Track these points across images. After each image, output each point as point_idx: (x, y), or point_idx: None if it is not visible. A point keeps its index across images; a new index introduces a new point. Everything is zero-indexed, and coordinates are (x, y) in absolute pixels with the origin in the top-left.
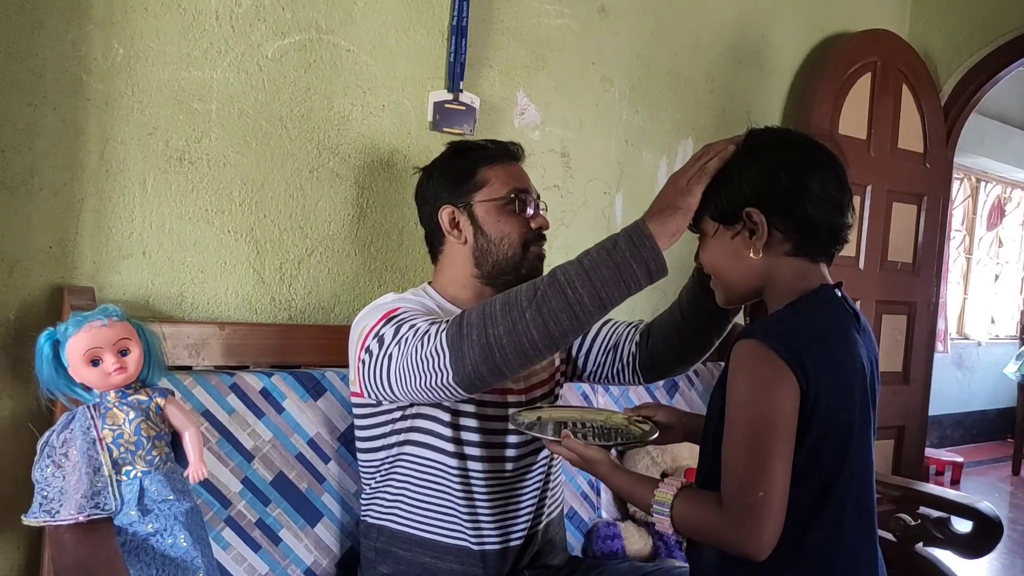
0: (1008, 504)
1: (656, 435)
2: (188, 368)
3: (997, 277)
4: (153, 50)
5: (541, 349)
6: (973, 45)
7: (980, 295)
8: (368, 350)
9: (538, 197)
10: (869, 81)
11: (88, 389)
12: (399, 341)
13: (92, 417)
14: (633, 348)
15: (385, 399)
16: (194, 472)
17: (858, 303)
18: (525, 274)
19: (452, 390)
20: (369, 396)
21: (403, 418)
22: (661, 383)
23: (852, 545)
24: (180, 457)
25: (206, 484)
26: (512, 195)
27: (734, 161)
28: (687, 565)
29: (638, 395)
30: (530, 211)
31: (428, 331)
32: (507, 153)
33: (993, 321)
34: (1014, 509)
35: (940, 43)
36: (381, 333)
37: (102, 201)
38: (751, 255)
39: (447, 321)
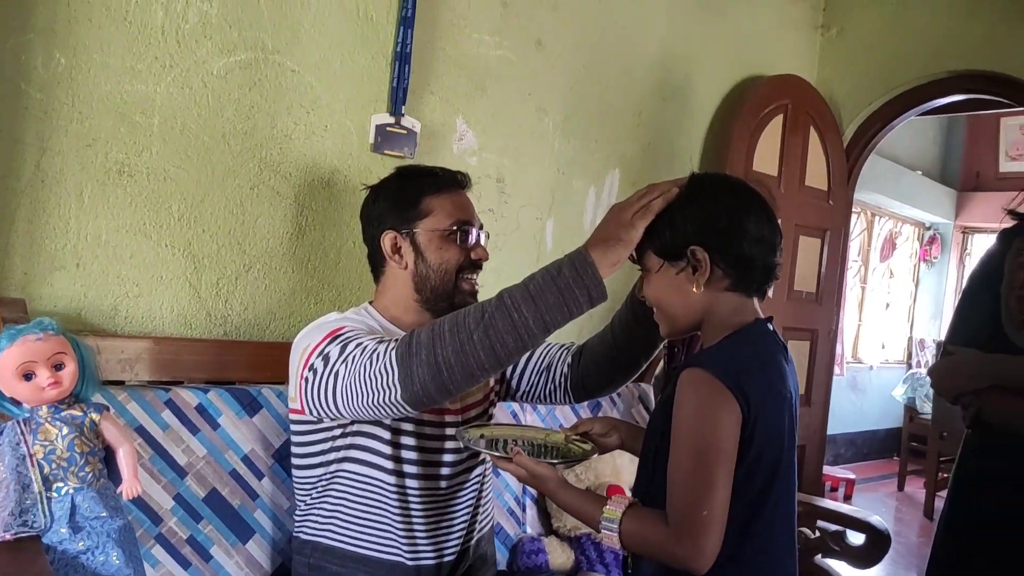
0: (894, 518)
1: (596, 453)
2: (121, 383)
3: (888, 305)
4: (96, 62)
5: (487, 368)
6: (873, 93)
7: (872, 322)
8: (312, 368)
9: (481, 227)
10: (781, 122)
11: (18, 404)
12: (346, 359)
13: (22, 432)
14: (565, 369)
15: (327, 416)
16: (128, 488)
17: None
18: (458, 302)
19: (399, 407)
20: (310, 413)
21: (343, 435)
22: (586, 403)
23: (779, 555)
24: (113, 473)
25: (137, 501)
26: (455, 226)
27: (678, 202)
28: None
29: (564, 414)
30: (471, 241)
31: (376, 350)
32: (454, 182)
33: (883, 347)
34: (898, 523)
35: (844, 90)
36: (326, 351)
37: (36, 212)
38: (693, 289)
39: (395, 340)
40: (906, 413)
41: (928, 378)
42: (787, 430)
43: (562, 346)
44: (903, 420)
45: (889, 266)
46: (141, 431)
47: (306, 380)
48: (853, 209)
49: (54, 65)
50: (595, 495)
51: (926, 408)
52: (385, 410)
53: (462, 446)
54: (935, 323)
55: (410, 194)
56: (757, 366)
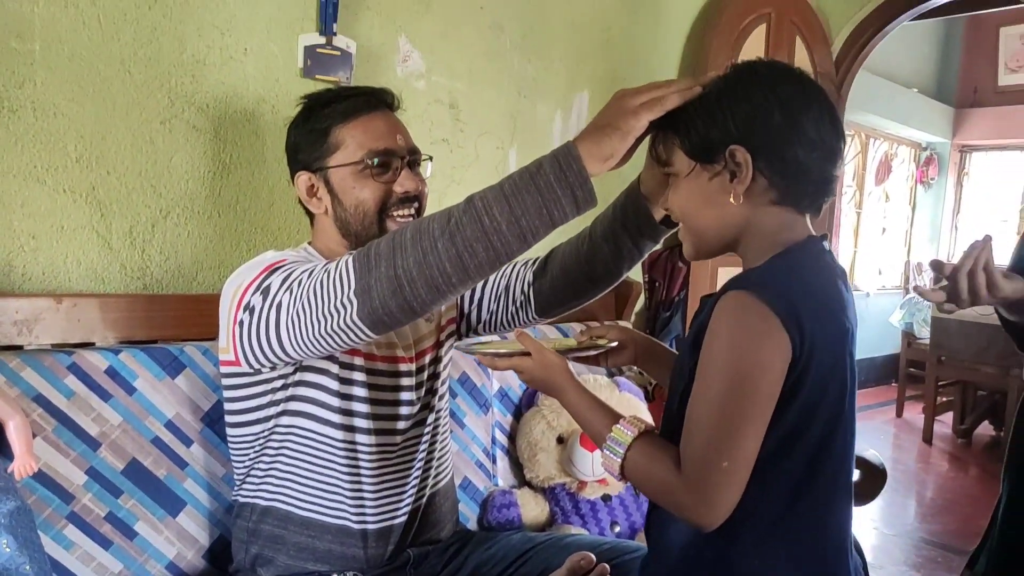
0: (891, 445)
1: (612, 347)
2: (19, 348)
3: (884, 230)
4: None
5: (454, 283)
6: None
7: (869, 248)
8: (248, 307)
9: (411, 154)
10: (764, 33)
11: None
12: (289, 287)
13: None
14: (525, 287)
15: (267, 362)
16: (20, 466)
17: None
18: None
19: (357, 330)
20: (247, 363)
21: (284, 387)
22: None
23: (839, 519)
24: (6, 450)
25: (42, 478)
26: (367, 158)
27: (718, 91)
28: (583, 532)
29: None
30: (392, 173)
31: (327, 267)
32: (367, 104)
33: (880, 272)
34: (896, 449)
35: None
36: (266, 284)
37: None
38: (730, 200)
39: (351, 254)
40: (904, 339)
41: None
42: (849, 368)
43: (522, 264)
44: (900, 346)
45: (885, 189)
46: (41, 400)
47: (240, 324)
48: (847, 132)
49: None
50: (608, 407)
51: (924, 333)
52: (340, 337)
53: (415, 396)
54: (932, 246)
55: (318, 125)
56: (814, 291)
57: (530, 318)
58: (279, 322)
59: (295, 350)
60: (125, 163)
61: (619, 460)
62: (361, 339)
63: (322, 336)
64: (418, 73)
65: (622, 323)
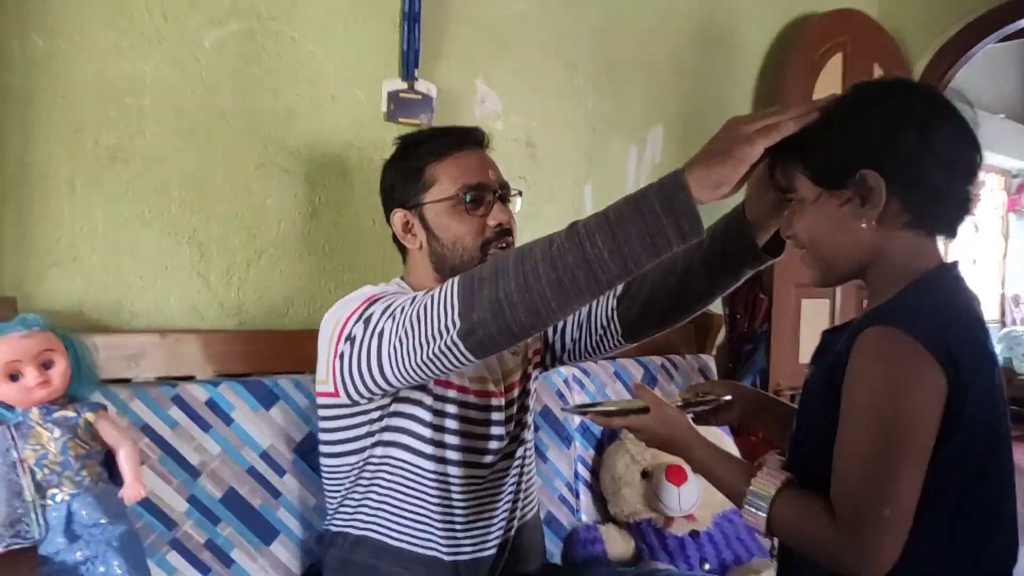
0: None
1: (728, 399)
2: (127, 381)
3: (975, 262)
4: (77, 42)
5: (554, 309)
6: (944, 21)
7: None
8: (350, 338)
9: (502, 188)
10: (840, 62)
11: (9, 407)
12: (392, 314)
13: (12, 437)
14: (608, 313)
15: (367, 392)
16: (130, 492)
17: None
18: None
19: (457, 352)
20: (345, 394)
21: (380, 418)
22: (639, 377)
23: (999, 557)
24: (117, 477)
25: (148, 505)
26: (461, 193)
27: (841, 112)
28: (671, 568)
29: (616, 393)
30: (484, 208)
31: (431, 292)
32: (461, 142)
33: None
34: None
35: (910, 21)
36: (367, 314)
37: (24, 206)
38: (862, 226)
39: (455, 279)
40: (1002, 373)
41: None
42: (999, 397)
43: None
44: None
45: (973, 220)
46: (147, 430)
47: (341, 355)
48: None
49: (31, 48)
50: (740, 459)
51: None
52: (440, 361)
53: (505, 431)
54: None
55: (412, 165)
56: (960, 322)
57: (616, 343)
58: (380, 349)
59: (396, 377)
60: (223, 207)
61: (764, 516)
62: (461, 363)
63: (424, 362)
64: (495, 114)
65: (723, 380)
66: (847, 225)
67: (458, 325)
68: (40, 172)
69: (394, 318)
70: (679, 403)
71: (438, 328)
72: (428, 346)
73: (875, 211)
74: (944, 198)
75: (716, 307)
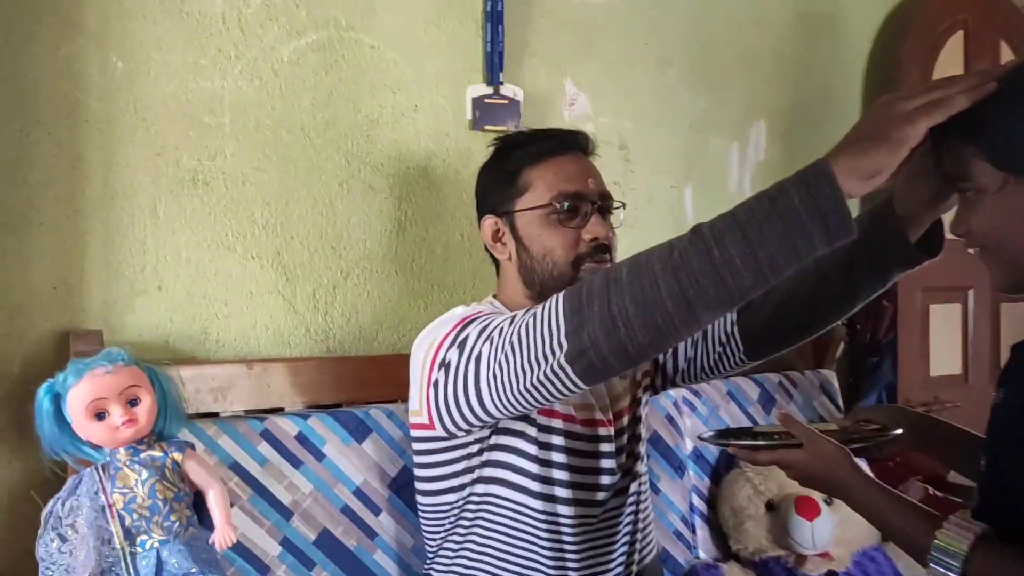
0: None
1: (899, 433)
2: (215, 415)
3: None
4: (155, 61)
5: (677, 325)
6: None
7: None
8: (444, 364)
9: (603, 199)
10: (962, 41)
11: (96, 447)
12: (489, 336)
13: (100, 480)
14: (728, 327)
15: (464, 423)
16: (221, 537)
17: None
18: None
19: (565, 378)
20: (441, 426)
21: (479, 452)
22: (755, 397)
23: None
24: (205, 520)
25: (239, 549)
26: (556, 201)
27: None
28: None
29: (731, 415)
30: (581, 219)
31: (533, 311)
32: (559, 147)
33: None
34: None
35: None
36: (461, 337)
37: (109, 233)
38: None
39: (561, 293)
40: None
41: None
42: None
43: None
44: None
45: None
46: (236, 468)
47: (435, 384)
48: None
49: (111, 70)
50: (917, 505)
51: None
52: (546, 388)
53: (615, 463)
54: None
55: (508, 168)
56: None
57: (736, 362)
58: (479, 376)
59: (496, 407)
60: (307, 227)
61: None
62: (570, 390)
63: (527, 390)
64: (586, 116)
65: (885, 405)
66: None
67: (565, 347)
68: (123, 198)
69: (492, 341)
70: (835, 430)
71: (543, 351)
72: (532, 372)
73: None
74: None
75: None
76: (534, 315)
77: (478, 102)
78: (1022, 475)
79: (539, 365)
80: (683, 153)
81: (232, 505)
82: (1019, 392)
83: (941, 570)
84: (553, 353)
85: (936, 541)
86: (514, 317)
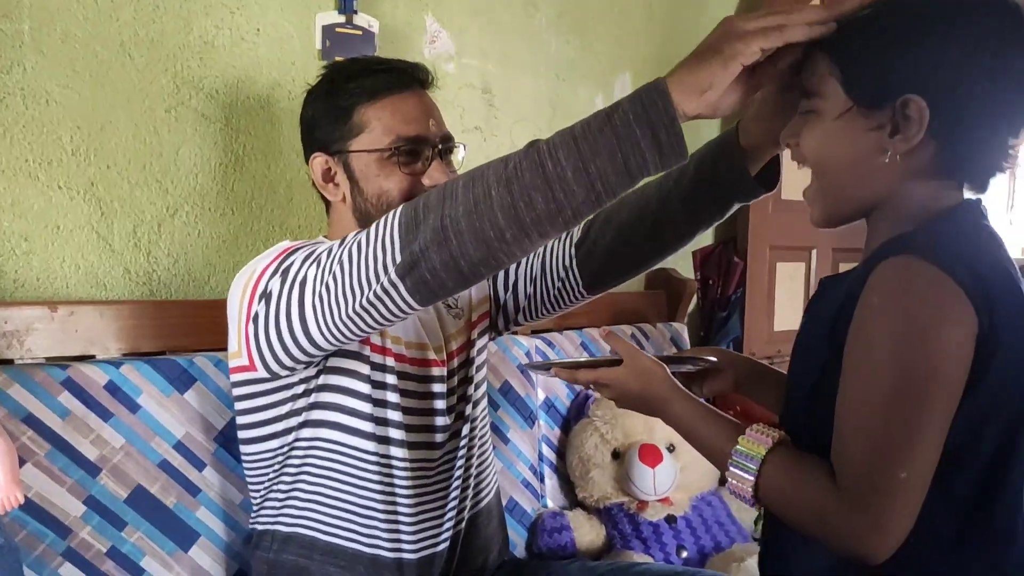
0: None
1: (714, 360)
2: (9, 362)
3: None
4: None
5: (508, 240)
6: None
7: None
8: (265, 295)
9: (444, 141)
10: None
11: None
12: (316, 259)
13: None
14: (567, 262)
15: (288, 359)
16: (4, 498)
17: None
18: None
19: (396, 293)
20: (263, 365)
21: (305, 393)
22: (608, 348)
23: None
24: None
25: (34, 510)
26: (394, 146)
27: (907, 22)
28: (648, 560)
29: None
30: (422, 164)
31: (367, 230)
32: (397, 82)
33: None
34: None
35: None
36: (285, 265)
37: None
38: (884, 160)
39: (398, 208)
40: None
41: None
42: None
43: (558, 237)
44: None
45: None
46: (31, 421)
47: (255, 317)
48: None
49: None
50: (728, 417)
51: None
52: (377, 310)
53: (446, 404)
54: None
55: (341, 103)
56: (993, 259)
57: (577, 296)
58: (303, 302)
59: (323, 335)
60: (127, 156)
61: (752, 479)
62: (401, 310)
63: (357, 313)
64: (447, 55)
65: (716, 347)
66: (867, 155)
67: (399, 261)
68: None
69: (319, 262)
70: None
71: (375, 268)
72: (363, 292)
73: (904, 146)
74: (987, 147)
75: (688, 272)
76: (367, 233)
77: (328, 30)
78: (815, 400)
79: (370, 285)
80: (548, 101)
81: (25, 463)
82: (821, 320)
83: (739, 472)
84: (385, 269)
85: (737, 446)
86: (345, 238)
